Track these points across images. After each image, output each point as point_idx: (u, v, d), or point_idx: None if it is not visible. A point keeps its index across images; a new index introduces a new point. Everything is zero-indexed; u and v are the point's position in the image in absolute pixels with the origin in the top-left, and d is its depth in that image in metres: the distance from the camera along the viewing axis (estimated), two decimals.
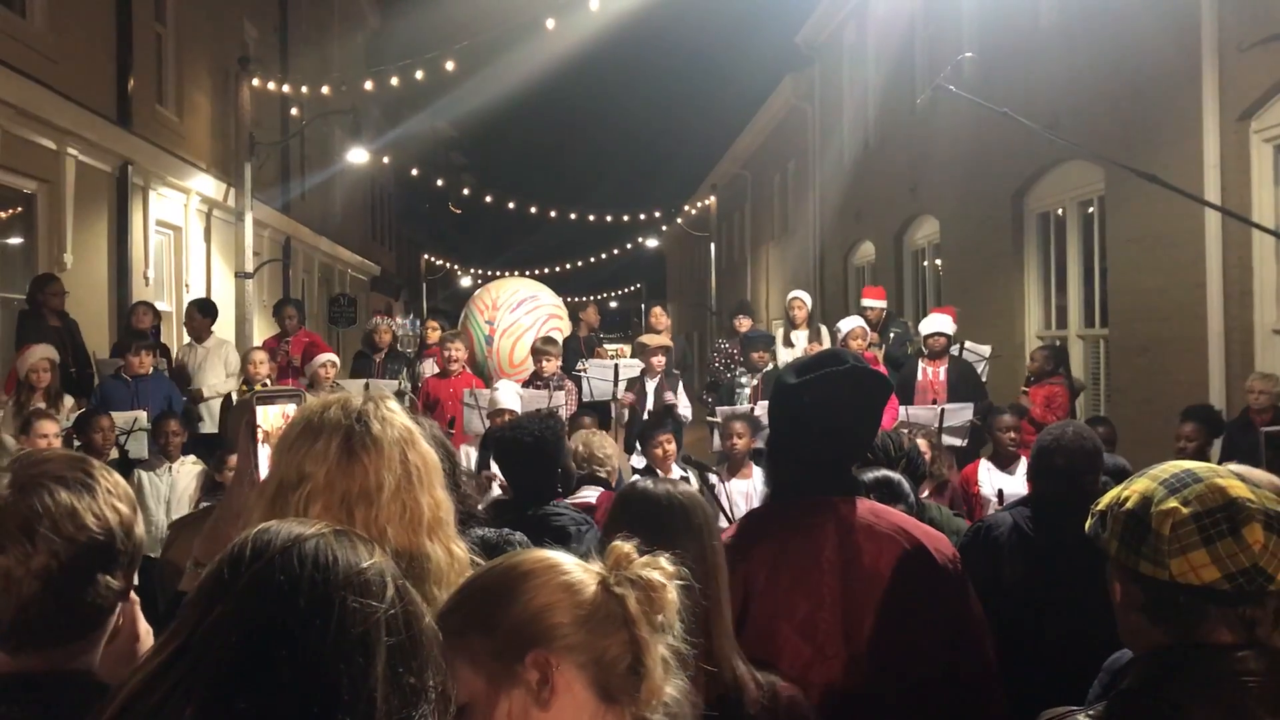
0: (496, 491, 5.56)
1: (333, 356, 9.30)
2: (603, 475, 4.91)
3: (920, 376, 8.85)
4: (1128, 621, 1.75)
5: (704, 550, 2.09)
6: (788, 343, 10.29)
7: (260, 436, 2.05)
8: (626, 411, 9.02)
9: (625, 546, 1.40)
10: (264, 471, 1.98)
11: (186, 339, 10.29)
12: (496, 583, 1.40)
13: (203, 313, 10.05)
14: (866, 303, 10.81)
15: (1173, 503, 1.66)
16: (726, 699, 1.99)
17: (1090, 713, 1.67)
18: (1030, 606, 3.29)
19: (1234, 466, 1.85)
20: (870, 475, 3.48)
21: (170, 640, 1.10)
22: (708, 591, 2.03)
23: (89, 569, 1.56)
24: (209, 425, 9.26)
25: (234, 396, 9.20)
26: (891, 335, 10.35)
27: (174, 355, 10.23)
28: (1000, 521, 3.61)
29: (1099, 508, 1.80)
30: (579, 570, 1.39)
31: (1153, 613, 1.67)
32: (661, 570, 1.38)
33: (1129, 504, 1.72)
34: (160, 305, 13.13)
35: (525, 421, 4.07)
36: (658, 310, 11.25)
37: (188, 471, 7.06)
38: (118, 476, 1.69)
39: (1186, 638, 1.64)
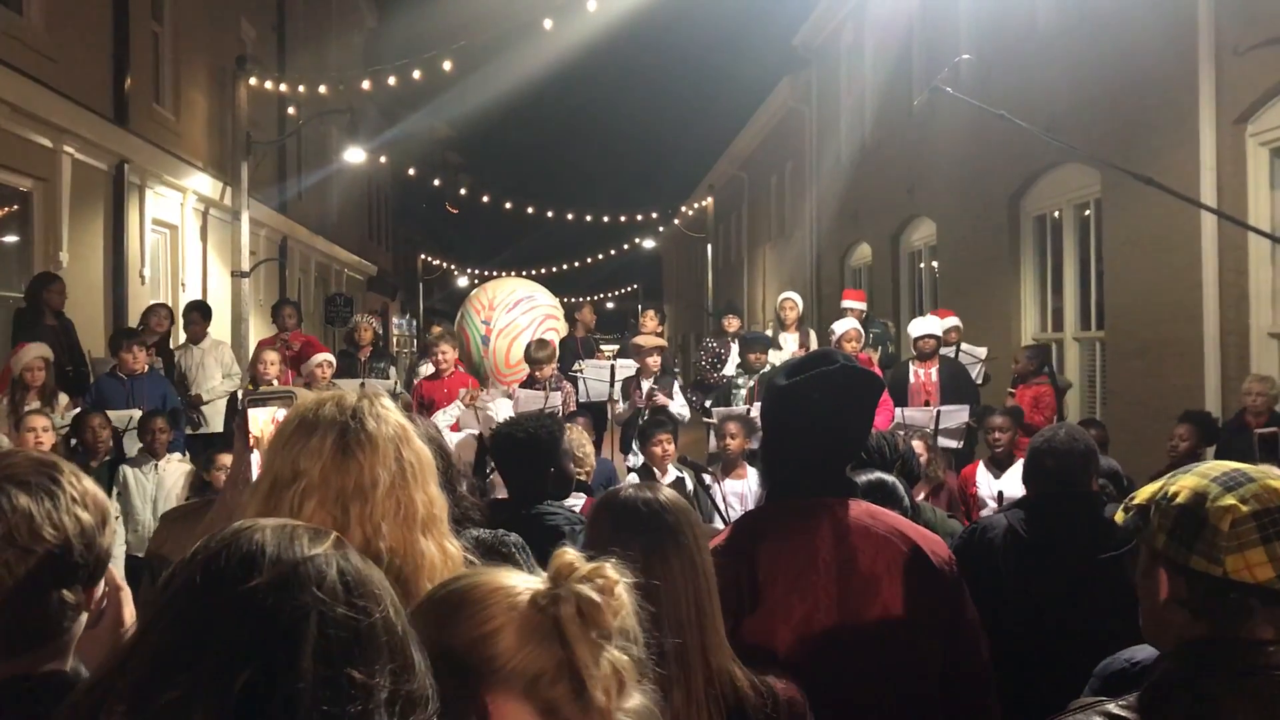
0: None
1: (329, 356, 9.33)
2: (581, 476, 4.89)
3: (913, 379, 8.87)
4: (1164, 615, 1.74)
5: (691, 557, 2.06)
6: (775, 345, 10.29)
7: (251, 442, 2.04)
8: (626, 410, 9.01)
9: (568, 556, 1.32)
10: (255, 476, 1.97)
11: (181, 340, 10.31)
12: (434, 609, 1.35)
13: (203, 315, 10.16)
14: (847, 304, 10.82)
15: (1231, 499, 1.66)
16: (727, 707, 1.98)
17: (1122, 702, 1.67)
18: (1025, 608, 3.30)
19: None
20: (865, 478, 3.47)
21: (127, 642, 1.11)
22: (698, 599, 2.02)
23: (42, 582, 1.52)
24: (213, 425, 9.29)
25: (239, 395, 9.22)
26: (870, 336, 10.36)
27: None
28: (995, 524, 3.61)
29: (1137, 501, 1.80)
30: (519, 590, 1.32)
31: (1198, 608, 1.67)
32: (604, 580, 1.30)
33: (1180, 499, 1.71)
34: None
35: (522, 419, 4.06)
36: (650, 313, 11.23)
37: (174, 470, 7.05)
38: (88, 482, 1.64)
39: (1230, 634, 1.65)
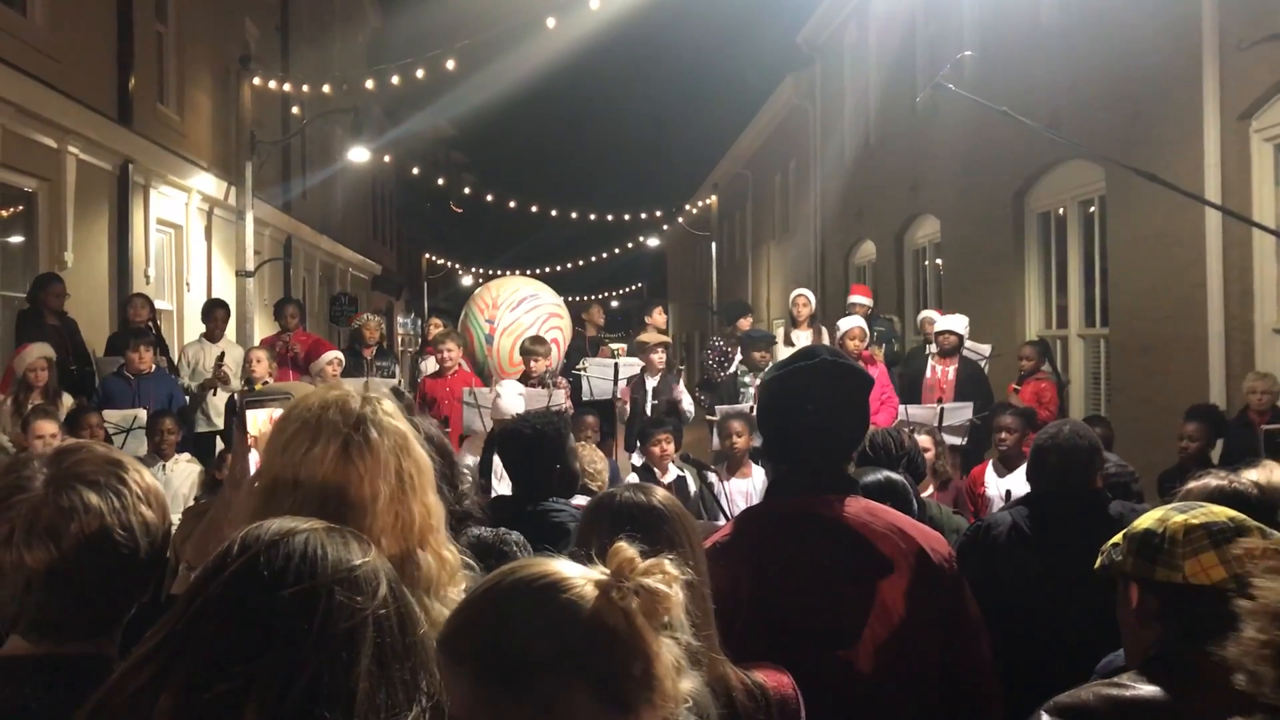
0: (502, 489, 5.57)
1: (339, 354, 9.36)
2: (594, 488, 4.90)
3: (929, 374, 8.88)
4: (1140, 635, 1.91)
5: (686, 559, 2.07)
6: (788, 341, 10.26)
7: (250, 442, 2.04)
8: (628, 409, 9.02)
9: (629, 551, 1.35)
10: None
11: (194, 336, 10.34)
12: (495, 602, 1.34)
13: (227, 314, 10.39)
14: (855, 299, 10.81)
15: (1182, 517, 1.90)
16: (717, 708, 1.97)
17: (1116, 679, 1.85)
18: (1028, 605, 3.29)
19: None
20: (873, 477, 3.47)
21: (156, 632, 1.10)
22: (692, 600, 2.01)
23: (110, 576, 1.58)
24: (212, 424, 9.30)
25: (236, 396, 9.24)
26: (875, 334, 10.33)
27: (177, 351, 10.29)
28: (999, 521, 3.61)
29: (1109, 544, 2.02)
30: (580, 582, 1.34)
31: (1166, 621, 1.85)
32: (664, 575, 1.35)
33: (1142, 526, 1.95)
34: (160, 304, 13.15)
35: (529, 416, 4.08)
36: (658, 310, 11.19)
37: (182, 470, 7.05)
38: (149, 477, 1.69)
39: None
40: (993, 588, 3.27)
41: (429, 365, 9.95)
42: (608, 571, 1.35)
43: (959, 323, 9.10)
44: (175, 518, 5.66)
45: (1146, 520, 1.95)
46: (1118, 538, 2.00)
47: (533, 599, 1.32)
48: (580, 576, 1.34)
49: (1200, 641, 1.77)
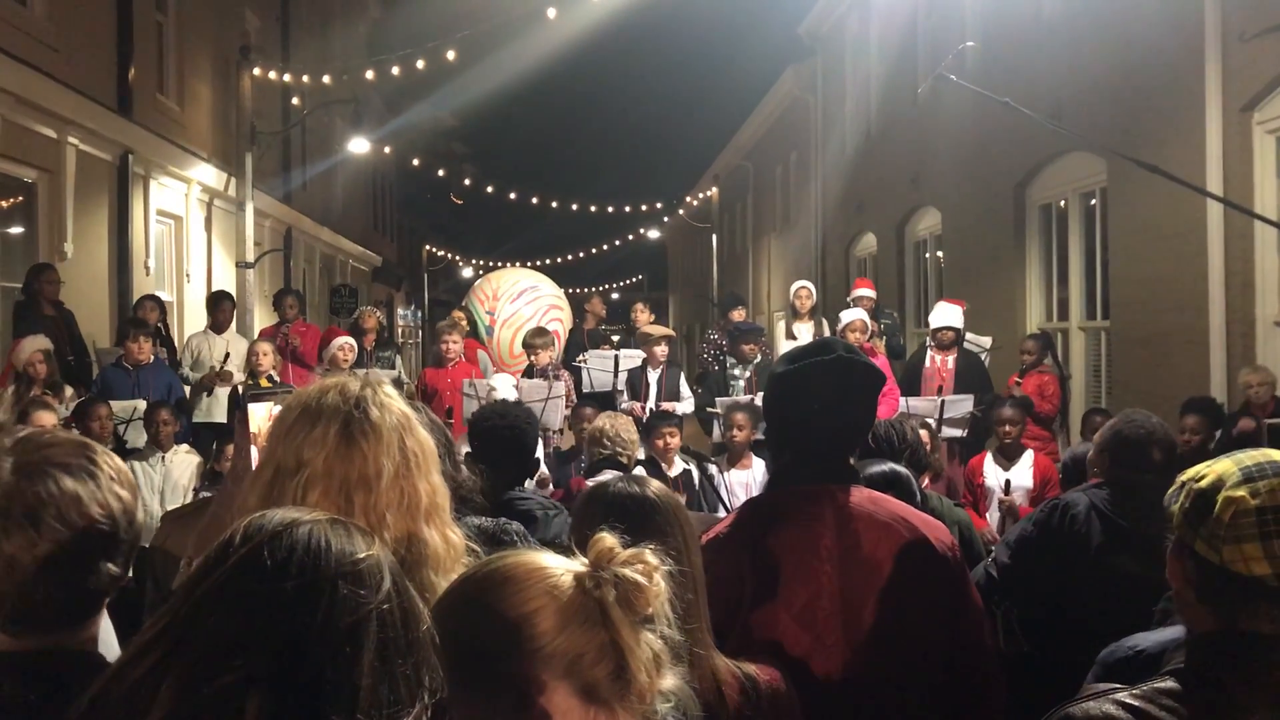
0: None
1: (350, 339, 9.34)
2: (623, 460, 4.99)
3: (928, 363, 8.87)
4: (1180, 596, 1.77)
5: (679, 550, 2.04)
6: (790, 334, 10.24)
7: (251, 438, 2.04)
8: (633, 406, 9.02)
9: (609, 541, 1.34)
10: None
11: (194, 327, 10.33)
12: (471, 592, 1.35)
13: (233, 305, 10.37)
14: (859, 292, 10.79)
15: (1242, 491, 1.65)
16: (706, 697, 1.97)
17: (1135, 692, 1.68)
18: (1109, 583, 3.40)
19: None
20: (877, 469, 3.47)
21: (159, 620, 1.09)
22: (683, 592, 2.01)
23: (92, 556, 1.57)
24: (218, 415, 9.30)
25: (239, 388, 9.23)
26: (881, 325, 10.31)
27: (180, 344, 10.27)
28: (1076, 500, 3.72)
29: (1181, 479, 1.80)
30: (558, 572, 1.32)
31: (1199, 591, 1.69)
32: (644, 566, 1.32)
33: (1203, 482, 1.72)
34: (161, 295, 13.15)
35: (503, 410, 4.14)
36: (639, 306, 11.17)
37: (181, 461, 7.04)
38: (119, 461, 1.68)
39: (1229, 622, 1.65)
40: (1073, 563, 3.52)
41: None
42: (587, 562, 1.33)
43: (954, 315, 9.08)
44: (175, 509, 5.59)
45: (1210, 476, 1.71)
46: (1186, 476, 1.79)
47: (508, 589, 1.31)
48: (559, 567, 1.33)
49: (1239, 650, 1.63)
